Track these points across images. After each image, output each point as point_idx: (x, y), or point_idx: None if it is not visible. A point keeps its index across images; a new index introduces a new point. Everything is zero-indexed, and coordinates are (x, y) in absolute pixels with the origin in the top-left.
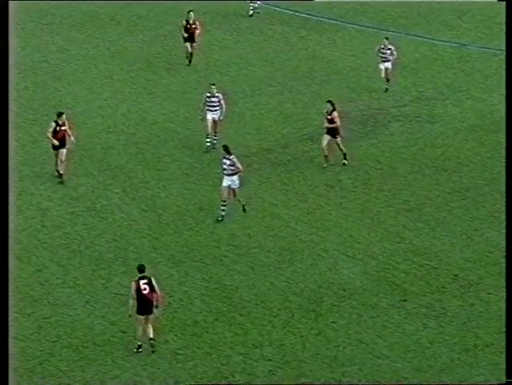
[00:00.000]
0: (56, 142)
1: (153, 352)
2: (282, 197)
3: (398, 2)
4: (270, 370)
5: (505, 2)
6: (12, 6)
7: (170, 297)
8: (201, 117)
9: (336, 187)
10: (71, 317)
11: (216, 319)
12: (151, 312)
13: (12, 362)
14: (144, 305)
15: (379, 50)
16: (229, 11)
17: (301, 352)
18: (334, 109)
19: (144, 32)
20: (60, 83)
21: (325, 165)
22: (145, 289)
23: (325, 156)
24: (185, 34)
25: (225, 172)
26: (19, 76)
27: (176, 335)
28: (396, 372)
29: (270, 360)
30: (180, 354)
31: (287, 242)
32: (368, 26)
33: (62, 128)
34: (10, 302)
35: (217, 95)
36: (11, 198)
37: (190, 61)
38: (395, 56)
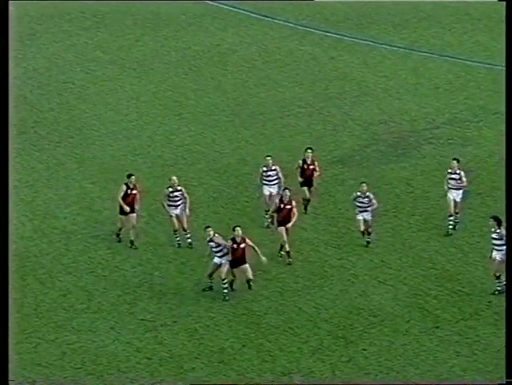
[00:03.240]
0: (127, 208)
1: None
2: (311, 221)
3: (430, 23)
4: None
5: (504, 2)
6: (17, 11)
7: (196, 323)
8: (259, 194)
9: None
10: (96, 343)
11: (243, 346)
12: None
13: None
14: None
15: (355, 199)
16: (257, 33)
17: (331, 380)
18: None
19: (171, 53)
20: (85, 105)
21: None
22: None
23: (288, 252)
24: (301, 179)
25: (217, 254)
26: (44, 97)
27: (202, 362)
28: None
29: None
30: (207, 381)
31: (317, 267)
32: (400, 47)
33: (133, 192)
34: (33, 328)
35: (274, 168)
36: (35, 222)
37: (306, 208)
38: (374, 206)
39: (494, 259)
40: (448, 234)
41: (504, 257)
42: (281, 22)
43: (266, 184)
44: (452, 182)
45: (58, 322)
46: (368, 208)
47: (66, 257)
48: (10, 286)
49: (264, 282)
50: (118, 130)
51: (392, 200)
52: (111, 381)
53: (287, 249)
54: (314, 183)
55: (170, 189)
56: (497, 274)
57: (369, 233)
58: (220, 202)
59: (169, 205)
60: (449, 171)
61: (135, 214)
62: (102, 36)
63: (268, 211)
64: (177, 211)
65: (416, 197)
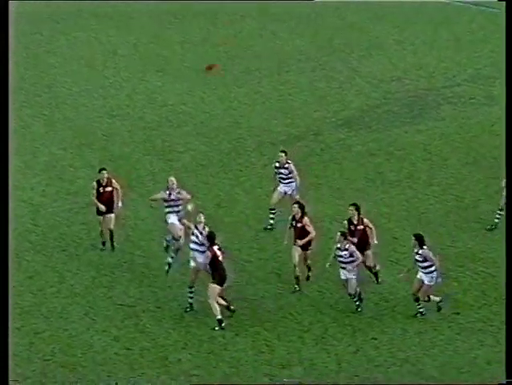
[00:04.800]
0: (103, 207)
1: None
2: (314, 192)
3: None
4: None
5: (504, 2)
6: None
7: (183, 309)
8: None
9: (377, 181)
10: (68, 331)
11: (236, 334)
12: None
13: None
14: None
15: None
16: None
17: (336, 373)
18: (303, 212)
19: None
20: (55, 59)
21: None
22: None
23: (297, 278)
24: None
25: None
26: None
27: (190, 353)
28: None
29: (300, 383)
30: (195, 375)
31: (320, 245)
32: None
33: (107, 189)
34: None
35: (286, 166)
36: None
37: (377, 278)
38: (357, 261)
39: (421, 280)
40: (491, 228)
41: (433, 282)
42: None
43: (281, 182)
44: None
45: (25, 308)
46: (349, 263)
47: (34, 234)
48: None
49: (260, 262)
50: (93, 88)
51: (406, 169)
52: (86, 374)
53: (297, 273)
54: (372, 242)
55: (167, 192)
56: (417, 296)
57: (357, 298)
58: (210, 170)
59: (168, 212)
60: None
61: (112, 215)
62: None
63: (273, 210)
64: (176, 217)
65: (434, 165)
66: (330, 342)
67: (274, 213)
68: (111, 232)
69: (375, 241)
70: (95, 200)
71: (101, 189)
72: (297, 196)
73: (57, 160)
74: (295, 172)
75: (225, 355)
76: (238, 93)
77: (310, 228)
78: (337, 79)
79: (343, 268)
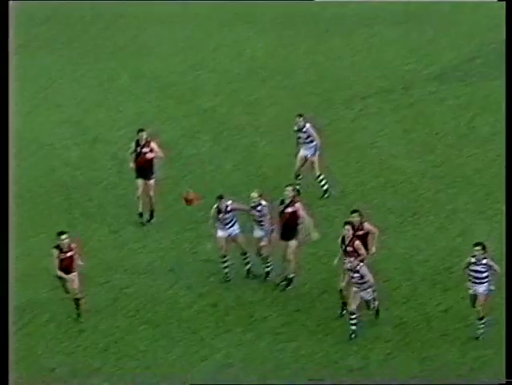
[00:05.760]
0: (63, 274)
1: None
2: (403, 147)
3: None
4: (388, 354)
5: (505, 2)
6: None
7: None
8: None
9: (470, 135)
10: (152, 288)
11: (324, 291)
12: None
13: (81, 340)
14: None
15: (467, 267)
16: None
17: (425, 332)
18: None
19: None
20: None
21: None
22: None
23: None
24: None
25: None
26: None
27: (275, 311)
28: None
29: (388, 341)
30: (281, 333)
31: (410, 201)
32: None
33: (68, 255)
34: (83, 270)
35: (304, 130)
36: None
37: None
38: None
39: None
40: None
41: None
42: None
43: (301, 146)
44: None
45: (109, 264)
46: (485, 281)
47: (119, 188)
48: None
49: (345, 218)
50: (172, 41)
51: (500, 123)
52: (170, 331)
53: (291, 274)
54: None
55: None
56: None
57: (480, 319)
58: None
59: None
60: None
61: (75, 274)
62: None
63: (299, 176)
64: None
65: None
66: (419, 300)
67: (299, 179)
68: (73, 293)
69: (374, 250)
70: (58, 272)
71: (62, 256)
72: (314, 158)
73: (142, 113)
74: (315, 135)
75: (311, 313)
76: (327, 46)
77: (302, 213)
78: (428, 31)
79: (478, 283)
